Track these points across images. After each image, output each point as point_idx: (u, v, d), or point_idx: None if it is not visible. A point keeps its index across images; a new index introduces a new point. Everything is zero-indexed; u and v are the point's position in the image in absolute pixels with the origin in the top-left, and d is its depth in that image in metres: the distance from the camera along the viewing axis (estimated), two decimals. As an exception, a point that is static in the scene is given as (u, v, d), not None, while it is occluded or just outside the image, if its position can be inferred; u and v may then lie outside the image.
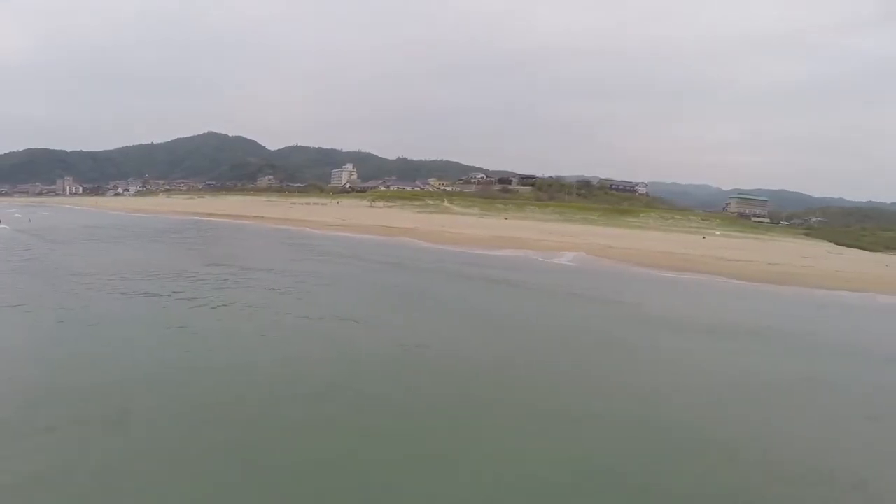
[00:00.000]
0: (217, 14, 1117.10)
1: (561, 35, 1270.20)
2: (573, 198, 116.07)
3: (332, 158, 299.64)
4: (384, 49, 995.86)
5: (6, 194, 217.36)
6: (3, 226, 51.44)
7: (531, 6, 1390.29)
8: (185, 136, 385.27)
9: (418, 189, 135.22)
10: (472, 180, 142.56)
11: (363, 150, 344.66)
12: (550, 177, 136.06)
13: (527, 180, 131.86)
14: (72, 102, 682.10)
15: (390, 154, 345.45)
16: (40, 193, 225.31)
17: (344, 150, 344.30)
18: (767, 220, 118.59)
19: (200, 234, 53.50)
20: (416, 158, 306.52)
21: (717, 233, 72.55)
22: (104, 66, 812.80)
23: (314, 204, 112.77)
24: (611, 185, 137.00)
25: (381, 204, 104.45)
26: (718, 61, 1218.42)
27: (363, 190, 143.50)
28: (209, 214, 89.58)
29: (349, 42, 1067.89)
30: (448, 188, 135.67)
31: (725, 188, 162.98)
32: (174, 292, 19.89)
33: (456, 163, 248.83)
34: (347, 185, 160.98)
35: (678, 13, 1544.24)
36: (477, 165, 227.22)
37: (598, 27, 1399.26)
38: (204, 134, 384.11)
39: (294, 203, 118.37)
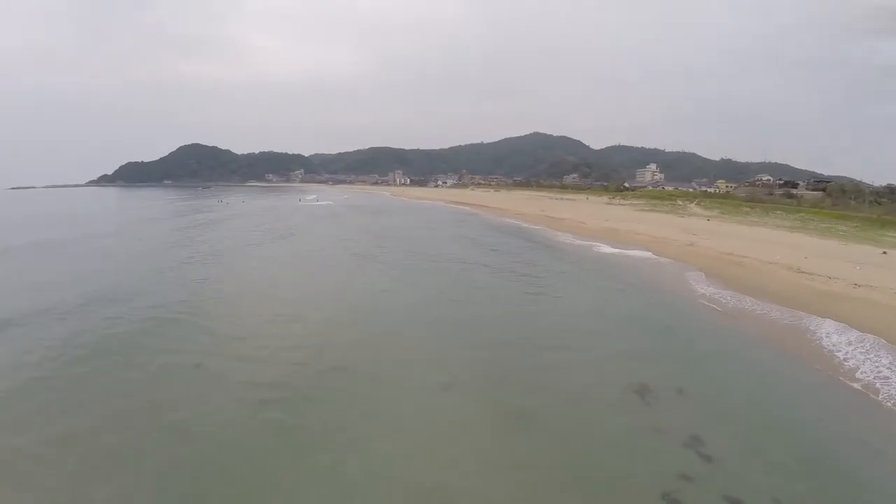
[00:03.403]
0: (544, 19, 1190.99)
1: None
2: (865, 206, 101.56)
3: (652, 158, 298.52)
4: (710, 42, 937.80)
5: (350, 182, 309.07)
6: (330, 202, 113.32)
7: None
8: (512, 136, 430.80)
9: (691, 190, 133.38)
10: (757, 182, 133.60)
11: (686, 151, 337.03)
12: (850, 181, 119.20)
13: (819, 185, 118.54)
14: (408, 108, 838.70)
15: (715, 154, 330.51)
16: (375, 183, 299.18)
17: (666, 150, 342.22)
18: None
19: (419, 211, 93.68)
20: (741, 160, 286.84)
21: None
22: (440, 74, 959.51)
23: (566, 200, 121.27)
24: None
25: (617, 201, 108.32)
26: None
27: (632, 189, 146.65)
28: (458, 203, 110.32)
29: (673, 38, 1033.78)
30: (712, 190, 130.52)
31: None
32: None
33: (786, 165, 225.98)
34: (625, 185, 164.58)
35: None
36: (810, 170, 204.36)
37: None
38: (529, 134, 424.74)
39: (553, 198, 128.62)
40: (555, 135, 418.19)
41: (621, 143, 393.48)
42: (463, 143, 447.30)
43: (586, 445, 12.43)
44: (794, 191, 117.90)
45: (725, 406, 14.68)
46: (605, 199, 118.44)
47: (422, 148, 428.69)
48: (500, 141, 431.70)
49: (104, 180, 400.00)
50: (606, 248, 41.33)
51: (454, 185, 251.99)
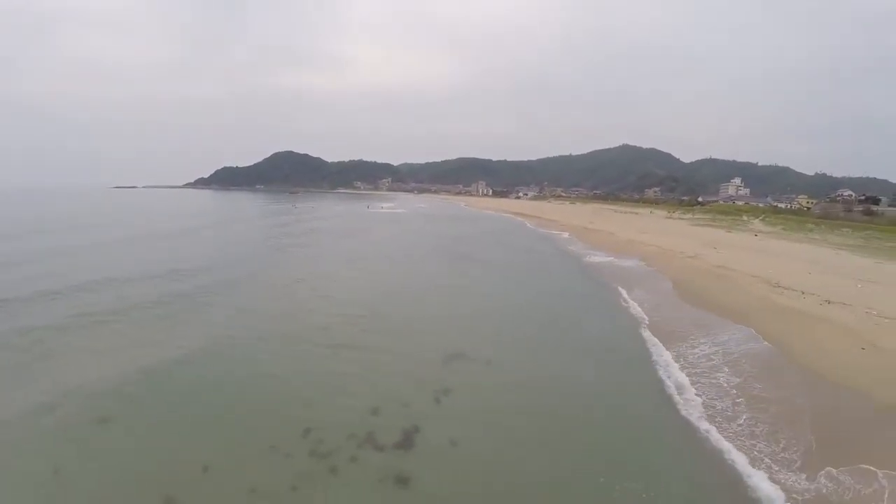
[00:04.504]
0: (636, 27, 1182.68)
1: None
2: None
3: (743, 172, 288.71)
4: (818, 49, 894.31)
5: (435, 192, 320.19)
6: (403, 210, 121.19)
7: None
8: (602, 148, 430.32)
9: (761, 205, 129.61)
10: (838, 198, 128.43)
11: (780, 164, 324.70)
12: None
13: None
14: (498, 120, 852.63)
15: (810, 169, 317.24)
16: (459, 193, 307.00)
17: (759, 164, 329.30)
18: None
19: (478, 219, 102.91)
20: (838, 175, 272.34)
21: None
22: (531, 86, 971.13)
23: (628, 213, 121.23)
24: None
25: (677, 215, 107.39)
26: None
27: (702, 203, 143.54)
28: (519, 213, 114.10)
29: (776, 45, 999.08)
30: (783, 205, 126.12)
31: None
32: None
33: (885, 181, 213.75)
34: (698, 200, 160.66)
35: None
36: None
37: None
38: (619, 146, 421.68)
39: (616, 211, 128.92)
40: (644, 147, 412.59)
41: (712, 157, 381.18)
42: (552, 155, 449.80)
43: (372, 366, 17.06)
44: (875, 207, 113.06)
45: (512, 382, 16.18)
46: (666, 212, 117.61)
47: (510, 159, 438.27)
48: (589, 153, 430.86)
49: (200, 183, 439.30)
50: (599, 257, 44.53)
51: (534, 197, 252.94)
